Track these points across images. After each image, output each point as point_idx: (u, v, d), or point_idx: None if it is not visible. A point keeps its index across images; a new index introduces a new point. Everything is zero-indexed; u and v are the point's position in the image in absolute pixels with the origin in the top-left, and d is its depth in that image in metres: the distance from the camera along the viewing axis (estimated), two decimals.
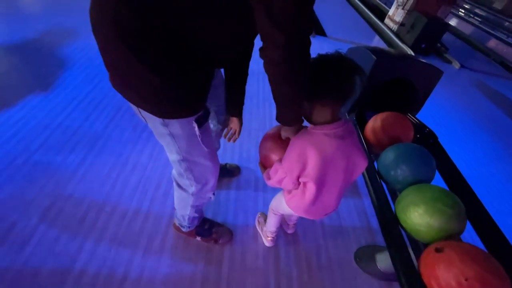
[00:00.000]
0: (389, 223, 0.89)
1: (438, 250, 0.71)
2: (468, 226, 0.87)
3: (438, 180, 1.10)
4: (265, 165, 0.84)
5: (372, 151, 1.16)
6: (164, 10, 0.47)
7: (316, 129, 0.68)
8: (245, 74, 0.87)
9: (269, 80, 0.59)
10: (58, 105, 1.54)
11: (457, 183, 1.12)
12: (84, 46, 2.08)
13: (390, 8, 4.53)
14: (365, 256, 1.18)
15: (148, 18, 0.48)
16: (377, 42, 4.01)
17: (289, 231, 1.20)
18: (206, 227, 1.09)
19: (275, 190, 0.95)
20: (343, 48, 2.19)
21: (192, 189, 0.84)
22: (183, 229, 1.03)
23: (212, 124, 1.01)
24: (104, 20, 0.50)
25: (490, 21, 8.25)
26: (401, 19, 4.14)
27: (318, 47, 3.11)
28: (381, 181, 1.02)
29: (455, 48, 4.70)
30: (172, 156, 0.74)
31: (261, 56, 0.53)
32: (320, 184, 0.70)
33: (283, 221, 1.21)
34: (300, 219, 1.28)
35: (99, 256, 0.97)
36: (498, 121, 2.72)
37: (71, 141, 1.36)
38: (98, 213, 1.10)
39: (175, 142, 0.69)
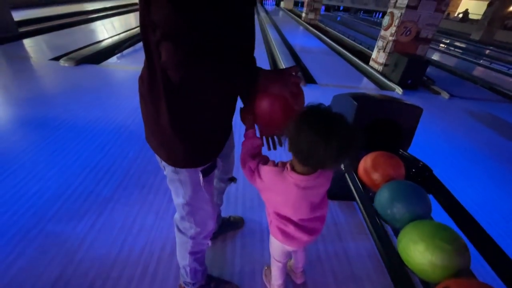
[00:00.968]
0: (394, 264, 0.88)
1: None
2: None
3: (440, 214, 1.10)
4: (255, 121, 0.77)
5: (368, 191, 1.19)
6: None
7: (290, 176, 0.69)
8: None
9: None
10: (71, 175, 1.65)
11: (460, 215, 1.11)
12: (97, 118, 2.30)
13: (372, 51, 4.95)
14: None
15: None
16: (366, 83, 4.28)
17: (298, 281, 1.17)
18: (212, 286, 1.07)
19: None
20: (333, 93, 2.36)
21: (192, 232, 0.88)
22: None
23: (215, 181, 1.05)
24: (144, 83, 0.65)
25: (471, 51, 8.79)
26: (384, 61, 4.49)
27: (310, 94, 3.35)
28: (381, 220, 1.03)
29: (442, 79, 4.95)
30: (178, 199, 0.82)
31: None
32: (280, 215, 0.80)
33: (289, 270, 1.18)
34: (309, 268, 1.25)
35: None
36: (499, 144, 2.73)
37: (82, 208, 1.43)
38: (105, 281, 1.10)
39: (182, 187, 0.77)
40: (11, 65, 3.32)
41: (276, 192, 0.76)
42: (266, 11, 13.47)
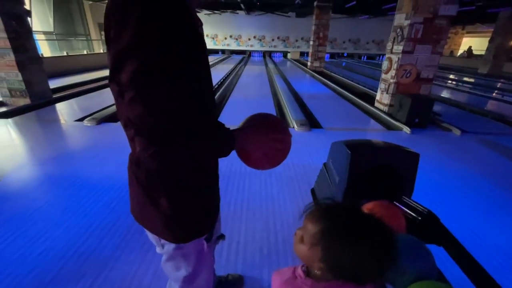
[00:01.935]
0: None
1: None
2: None
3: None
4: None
5: None
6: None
7: (307, 285, 0.59)
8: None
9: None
10: (77, 233, 1.70)
11: (472, 269, 1.01)
12: (108, 174, 2.43)
13: (376, 92, 5.08)
14: None
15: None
16: (372, 124, 4.30)
17: None
18: None
19: None
20: (339, 137, 2.42)
21: None
22: None
23: None
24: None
25: (481, 85, 8.77)
26: (389, 102, 4.57)
27: (315, 139, 3.41)
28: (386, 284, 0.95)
29: (453, 116, 4.90)
30: (178, 273, 0.77)
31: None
32: None
33: None
34: None
35: None
36: None
37: (82, 269, 1.44)
38: None
39: (185, 261, 0.74)
40: (41, 127, 3.70)
41: None
42: (274, 63, 14.56)
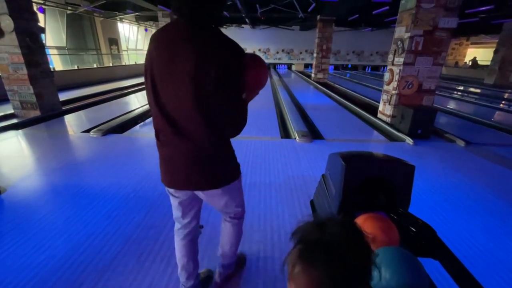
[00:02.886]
0: None
1: None
2: None
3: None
4: None
5: None
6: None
7: None
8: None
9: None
10: (77, 243, 1.72)
11: (467, 284, 0.99)
12: (110, 184, 2.47)
13: (379, 103, 5.09)
14: None
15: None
16: (375, 135, 4.29)
17: None
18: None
19: None
20: (340, 147, 2.47)
21: (243, 214, 1.33)
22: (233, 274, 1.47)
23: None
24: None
25: (487, 96, 8.69)
26: (391, 113, 4.57)
27: (317, 150, 3.42)
28: None
29: (457, 127, 4.86)
30: (236, 200, 1.21)
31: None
32: None
33: None
34: None
35: None
36: None
37: (79, 279, 1.45)
38: None
39: (238, 190, 1.20)
40: (49, 138, 3.81)
41: None
42: (279, 75, 14.76)
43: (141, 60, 15.90)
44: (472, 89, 10.51)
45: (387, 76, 4.71)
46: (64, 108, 5.43)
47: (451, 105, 6.98)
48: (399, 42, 4.35)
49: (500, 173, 2.93)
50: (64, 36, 10.05)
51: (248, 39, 17.55)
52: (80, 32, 11.16)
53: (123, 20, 13.12)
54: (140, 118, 4.90)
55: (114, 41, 13.10)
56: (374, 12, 9.38)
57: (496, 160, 3.27)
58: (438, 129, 4.34)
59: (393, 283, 0.87)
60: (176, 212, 1.20)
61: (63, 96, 6.48)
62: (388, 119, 4.67)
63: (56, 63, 10.02)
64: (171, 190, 1.12)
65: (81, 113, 5.35)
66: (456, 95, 8.69)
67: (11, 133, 3.90)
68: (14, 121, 4.47)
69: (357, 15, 10.78)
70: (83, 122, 4.66)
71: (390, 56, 4.61)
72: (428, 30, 4.04)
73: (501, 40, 11.51)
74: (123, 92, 7.86)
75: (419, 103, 4.43)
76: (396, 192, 1.41)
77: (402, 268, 0.90)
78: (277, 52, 18.27)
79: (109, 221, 1.94)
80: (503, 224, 2.03)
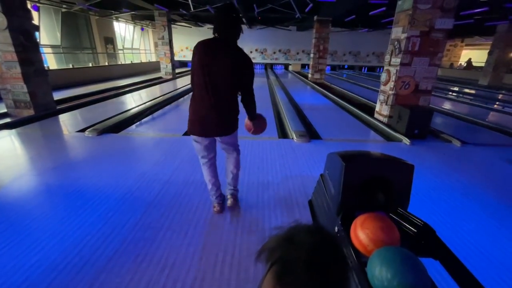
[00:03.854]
0: None
1: None
2: None
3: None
4: None
5: (361, 258, 1.10)
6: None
7: None
8: (250, 104, 1.86)
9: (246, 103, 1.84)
10: (71, 244, 1.69)
11: (468, 284, 0.98)
12: (106, 184, 2.44)
13: (376, 103, 5.10)
14: None
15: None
16: (372, 135, 4.31)
17: None
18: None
19: None
20: (337, 147, 2.50)
21: (239, 149, 2.04)
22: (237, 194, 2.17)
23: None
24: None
25: (482, 97, 8.79)
26: (388, 113, 4.59)
27: (314, 150, 3.41)
28: None
29: (453, 127, 4.90)
30: (235, 141, 1.94)
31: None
32: None
33: None
34: None
35: None
36: None
37: (74, 280, 1.42)
38: None
39: (237, 136, 1.92)
40: (43, 138, 3.75)
41: None
42: (276, 75, 14.76)
43: (137, 59, 15.78)
44: (467, 90, 10.62)
45: (384, 76, 4.73)
46: (58, 107, 5.35)
47: (447, 105, 7.04)
48: (396, 43, 4.37)
49: (495, 173, 2.95)
50: (58, 35, 9.92)
51: (245, 39, 17.48)
52: (75, 31, 11.03)
53: (119, 19, 13.00)
54: (136, 117, 4.85)
55: (110, 40, 12.97)
56: (371, 13, 9.42)
57: (491, 160, 3.30)
58: (434, 129, 4.37)
59: (395, 283, 0.86)
60: (203, 153, 1.90)
61: (57, 95, 6.38)
62: (385, 119, 4.69)
63: (51, 61, 9.87)
64: (200, 139, 1.82)
65: (76, 112, 5.28)
66: (451, 96, 8.78)
67: (4, 133, 3.82)
68: (7, 120, 4.39)
69: (354, 16, 10.83)
70: (78, 122, 4.59)
71: (387, 57, 4.63)
72: (425, 31, 4.06)
73: (495, 42, 11.66)
74: (119, 92, 7.78)
75: (415, 103, 4.45)
76: (395, 192, 1.41)
77: (403, 268, 0.89)
78: (274, 52, 18.27)
79: (104, 222, 1.91)
80: (500, 224, 2.04)
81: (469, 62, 16.70)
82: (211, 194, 2.05)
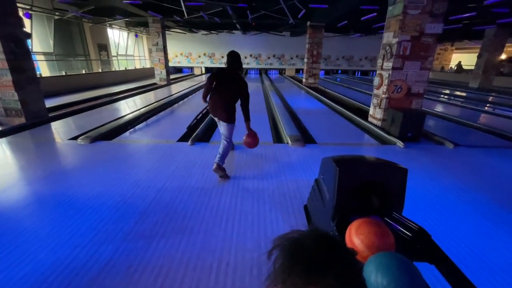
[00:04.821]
0: None
1: None
2: None
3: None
4: None
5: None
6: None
7: None
8: (246, 107, 2.79)
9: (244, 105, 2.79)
10: (61, 255, 1.64)
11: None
12: (99, 193, 2.39)
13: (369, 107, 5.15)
14: None
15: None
16: (366, 139, 4.33)
17: None
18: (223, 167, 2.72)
19: None
20: (332, 151, 2.52)
21: (228, 141, 2.75)
22: (221, 165, 2.69)
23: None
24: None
25: (472, 99, 8.95)
26: (381, 116, 4.63)
27: (309, 154, 3.41)
28: None
29: (446, 129, 4.96)
30: (228, 133, 2.73)
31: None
32: None
33: None
34: None
35: None
36: None
37: None
38: None
39: (231, 130, 2.75)
40: (34, 146, 3.68)
41: None
42: (270, 80, 14.85)
43: (131, 66, 15.74)
44: (458, 93, 10.82)
45: (376, 80, 4.78)
46: (50, 115, 5.28)
47: (439, 108, 7.15)
48: (387, 47, 4.43)
49: (488, 174, 2.99)
50: (51, 42, 9.85)
51: (239, 45, 17.61)
52: (68, 38, 10.97)
53: (113, 25, 12.99)
54: (130, 124, 4.80)
55: (103, 47, 12.93)
56: (362, 18, 9.59)
57: (483, 161, 3.34)
58: (427, 132, 4.42)
59: None
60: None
61: (50, 103, 6.31)
62: (379, 123, 4.73)
63: (43, 69, 9.78)
64: (212, 116, 2.80)
65: (68, 120, 5.21)
66: (443, 99, 8.92)
67: None
68: None
69: (346, 21, 11.00)
70: (70, 129, 4.53)
71: (379, 61, 4.70)
72: (415, 36, 4.14)
73: (483, 45, 11.93)
74: (113, 98, 7.72)
75: (408, 106, 4.51)
76: (389, 196, 1.41)
77: (399, 275, 0.88)
78: (268, 58, 18.41)
79: (96, 231, 1.87)
80: (494, 224, 2.05)
81: (459, 65, 17.04)
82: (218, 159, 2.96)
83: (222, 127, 2.74)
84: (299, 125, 4.91)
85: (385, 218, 1.40)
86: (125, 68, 14.34)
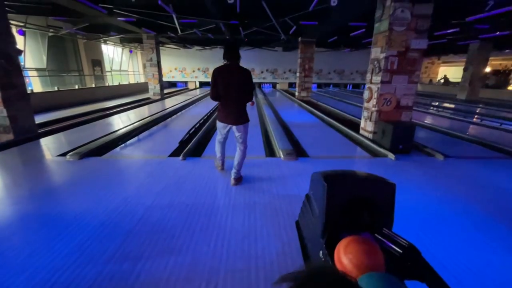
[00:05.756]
0: None
1: None
2: None
3: None
4: None
5: None
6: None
7: None
8: (251, 96, 2.79)
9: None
10: (40, 281, 1.56)
11: None
12: (85, 211, 2.32)
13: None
14: None
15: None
16: (358, 151, 4.36)
17: None
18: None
19: None
20: (324, 165, 2.53)
21: (247, 144, 2.87)
22: (240, 176, 2.93)
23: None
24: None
25: (460, 110, 9.18)
26: (372, 129, 4.69)
27: (301, 167, 3.40)
28: None
29: (436, 141, 5.03)
30: (246, 135, 2.81)
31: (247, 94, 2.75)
32: None
33: None
34: None
35: None
36: (509, 206, 2.53)
37: None
38: None
39: (247, 129, 2.81)
40: (21, 163, 3.59)
41: None
42: (264, 93, 15.04)
43: (125, 81, 15.80)
44: (446, 105, 11.09)
45: (366, 94, 4.88)
46: (40, 131, 5.19)
47: (428, 120, 7.29)
48: (375, 62, 4.56)
49: (478, 185, 3.01)
50: (44, 58, 9.87)
51: None
52: (62, 54, 11.02)
53: (107, 42, 13.14)
54: (121, 139, 4.75)
55: (97, 63, 13.00)
56: (351, 34, 9.91)
57: (473, 173, 3.37)
58: (418, 144, 4.48)
59: None
60: (222, 132, 2.87)
61: (41, 118, 6.24)
62: (370, 135, 4.78)
63: (36, 84, 9.74)
64: (223, 125, 2.77)
65: (58, 135, 5.13)
66: (432, 111, 9.12)
67: None
68: None
69: (336, 37, 11.35)
70: (60, 145, 4.45)
71: (368, 75, 4.81)
72: (402, 51, 4.27)
73: (468, 59, 12.40)
74: (105, 113, 7.68)
75: (398, 119, 4.59)
76: (379, 211, 1.39)
77: None
78: (262, 72, 18.74)
79: (80, 253, 1.79)
80: (486, 237, 2.04)
81: (445, 78, 17.61)
82: (217, 159, 3.19)
83: (237, 131, 2.74)
84: (291, 138, 4.93)
85: (376, 235, 1.38)
86: (119, 83, 14.38)
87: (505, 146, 4.44)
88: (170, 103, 10.27)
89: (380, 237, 1.35)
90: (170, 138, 4.91)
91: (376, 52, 4.56)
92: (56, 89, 9.42)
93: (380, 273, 0.96)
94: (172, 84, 18.91)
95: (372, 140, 4.63)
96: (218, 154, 3.12)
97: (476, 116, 8.02)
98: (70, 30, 9.22)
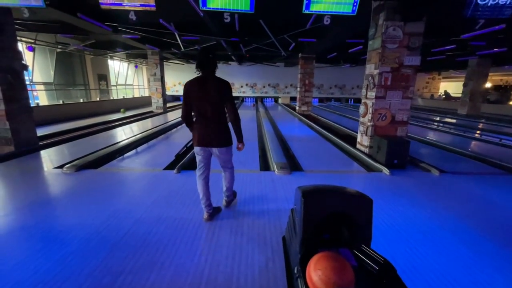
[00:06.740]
0: None
1: None
2: None
3: None
4: None
5: None
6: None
7: None
8: (236, 126, 2.31)
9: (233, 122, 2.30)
10: None
11: None
12: (73, 224, 2.33)
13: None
14: None
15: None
16: (354, 166, 4.34)
17: None
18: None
19: None
20: (318, 179, 2.55)
21: (232, 165, 2.50)
22: (232, 197, 2.70)
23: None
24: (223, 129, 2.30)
25: (461, 125, 9.14)
26: (368, 143, 4.69)
27: (294, 182, 3.39)
28: None
29: (433, 156, 5.00)
30: (229, 157, 2.41)
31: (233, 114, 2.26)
32: None
33: None
34: None
35: None
36: (503, 225, 2.48)
37: None
38: None
39: (231, 152, 2.40)
40: (17, 175, 3.65)
41: None
42: (265, 108, 15.22)
43: (130, 94, 16.17)
44: (447, 119, 11.07)
45: (362, 109, 4.92)
46: (41, 143, 5.30)
47: (427, 134, 7.27)
48: (370, 78, 4.63)
49: (472, 202, 2.96)
50: (52, 72, 10.21)
51: (236, 75, 18.34)
52: (69, 68, 11.39)
53: (114, 57, 13.58)
54: (119, 152, 4.81)
55: (103, 77, 13.38)
56: (350, 51, 10.11)
57: (469, 189, 3.32)
58: (414, 159, 4.45)
59: None
60: (202, 160, 2.36)
61: (43, 131, 6.37)
62: (366, 150, 4.77)
63: (42, 98, 10.03)
64: (200, 149, 2.29)
65: (59, 148, 5.22)
66: (433, 125, 9.10)
67: None
68: None
69: (335, 53, 11.59)
70: (58, 158, 4.52)
71: (363, 91, 4.87)
72: (395, 67, 4.34)
73: (468, 74, 12.49)
74: (107, 126, 7.81)
75: (394, 133, 4.59)
76: (356, 227, 1.38)
77: None
78: (264, 87, 19.05)
79: (62, 267, 1.79)
80: (476, 255, 1.99)
81: (446, 93, 17.68)
82: (202, 202, 2.44)
83: (219, 155, 2.29)
84: (287, 152, 4.94)
85: (354, 251, 1.37)
86: (123, 96, 14.71)
87: (503, 162, 4.39)
88: (172, 116, 10.43)
89: (358, 253, 1.34)
90: (167, 151, 4.95)
91: (371, 68, 4.65)
92: (61, 102, 9.67)
93: None
94: (176, 98, 19.28)
95: (368, 155, 4.62)
96: (201, 195, 2.40)
97: (476, 132, 7.97)
98: (78, 47, 9.58)
